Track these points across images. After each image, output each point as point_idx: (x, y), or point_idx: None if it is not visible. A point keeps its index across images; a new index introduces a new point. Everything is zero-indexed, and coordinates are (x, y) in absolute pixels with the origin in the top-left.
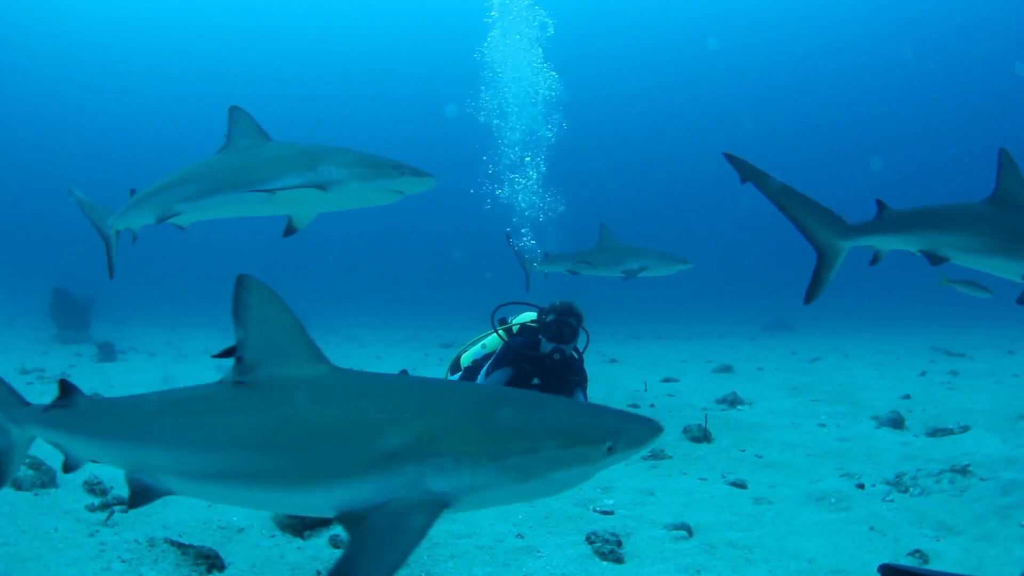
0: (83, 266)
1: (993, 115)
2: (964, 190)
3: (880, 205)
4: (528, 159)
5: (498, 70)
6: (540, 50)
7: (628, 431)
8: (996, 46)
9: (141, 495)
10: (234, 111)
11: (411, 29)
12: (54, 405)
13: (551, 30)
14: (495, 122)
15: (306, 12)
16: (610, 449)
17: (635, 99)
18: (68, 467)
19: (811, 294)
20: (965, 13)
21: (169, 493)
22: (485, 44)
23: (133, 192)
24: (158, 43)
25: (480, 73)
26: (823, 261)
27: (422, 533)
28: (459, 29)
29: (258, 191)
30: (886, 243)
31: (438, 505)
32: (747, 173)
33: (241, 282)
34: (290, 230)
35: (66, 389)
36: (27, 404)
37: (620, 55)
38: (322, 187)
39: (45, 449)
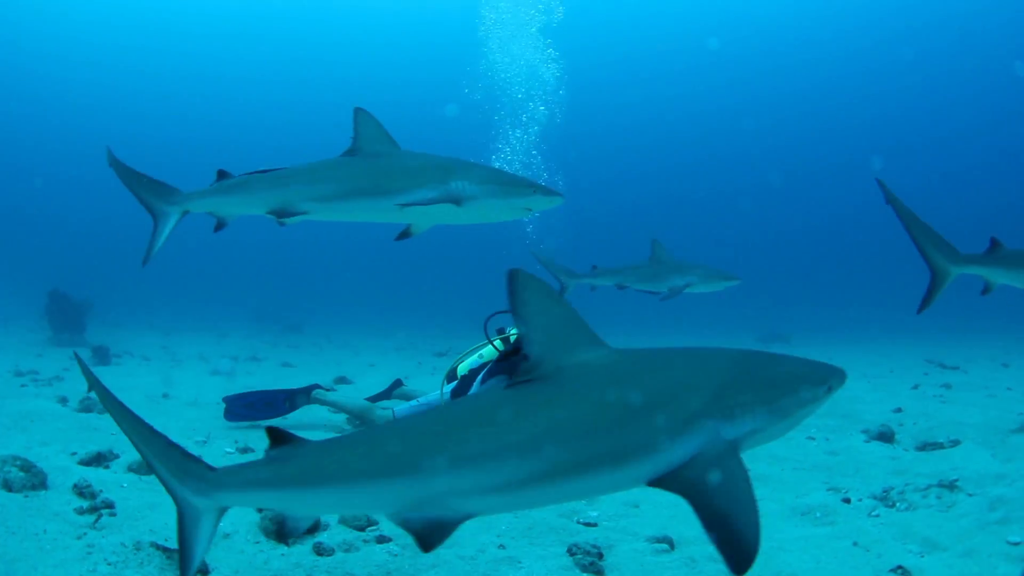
0: (80, 269)
1: (994, 115)
2: (964, 190)
3: (993, 242)
4: (529, 115)
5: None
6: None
7: (836, 374)
8: (996, 46)
9: (434, 533)
10: (360, 114)
11: (408, 24)
12: (266, 460)
13: (560, 13)
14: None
15: (303, 10)
16: (829, 389)
17: (634, 100)
18: (291, 532)
19: (922, 307)
20: (965, 14)
21: (466, 519)
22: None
23: (222, 175)
24: (157, 44)
25: (480, 53)
26: (934, 281)
27: (745, 472)
28: (458, 22)
29: (404, 205)
30: (993, 276)
31: (735, 450)
32: (890, 198)
33: (515, 278)
34: (405, 235)
35: (278, 436)
36: (212, 469)
37: (619, 52)
38: (456, 202)
39: (36, 451)
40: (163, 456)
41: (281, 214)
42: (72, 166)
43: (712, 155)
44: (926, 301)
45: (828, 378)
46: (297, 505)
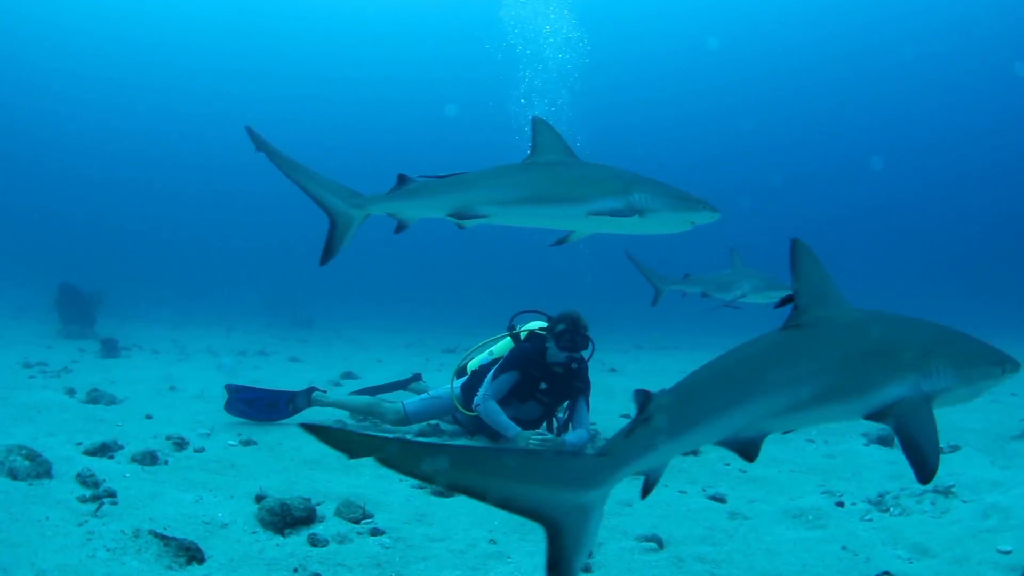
0: (91, 262)
1: (994, 116)
2: (964, 190)
3: None
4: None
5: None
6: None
7: (1012, 361)
8: (997, 47)
9: (751, 449)
10: (538, 123)
11: (422, 22)
12: (646, 422)
13: None
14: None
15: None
16: (1003, 371)
17: (633, 98)
18: (654, 481)
19: None
20: (965, 13)
21: (764, 437)
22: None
23: (403, 179)
24: (162, 42)
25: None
26: None
27: (934, 418)
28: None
29: (593, 214)
30: None
31: (929, 401)
32: None
33: (795, 245)
34: (561, 242)
35: (645, 397)
36: (601, 455)
37: (620, 51)
38: (640, 213)
39: (42, 441)
40: (534, 472)
41: (461, 216)
42: (84, 160)
43: (712, 154)
44: None
45: (1005, 361)
46: (668, 456)
